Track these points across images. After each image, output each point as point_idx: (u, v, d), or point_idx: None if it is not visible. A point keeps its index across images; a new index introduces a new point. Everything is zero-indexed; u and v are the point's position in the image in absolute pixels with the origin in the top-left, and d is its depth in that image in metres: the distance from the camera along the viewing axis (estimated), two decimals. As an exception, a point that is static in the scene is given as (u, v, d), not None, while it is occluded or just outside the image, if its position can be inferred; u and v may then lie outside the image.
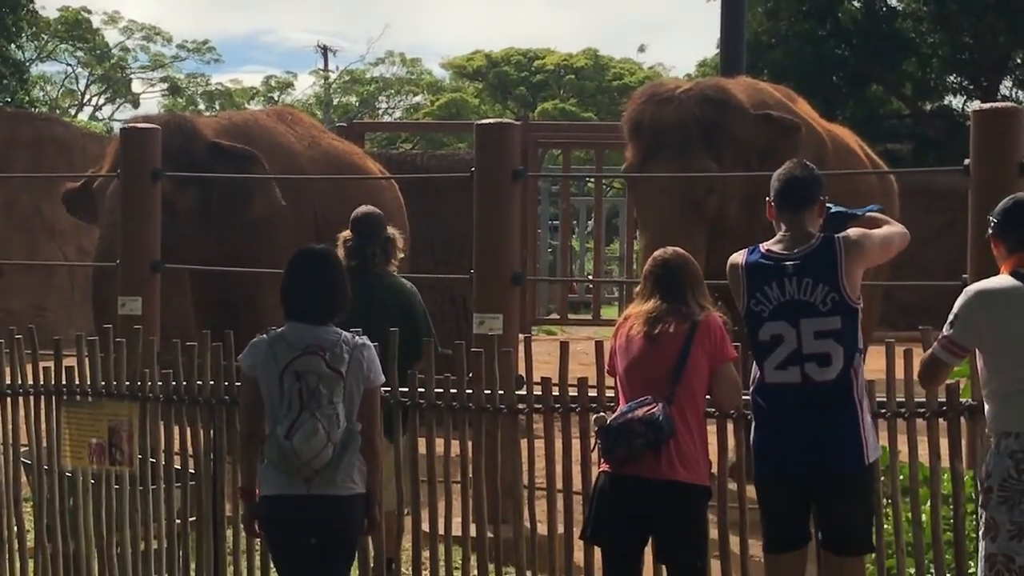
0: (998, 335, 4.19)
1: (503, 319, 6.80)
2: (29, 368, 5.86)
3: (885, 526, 4.75)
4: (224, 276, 8.88)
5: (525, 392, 5.20)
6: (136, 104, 44.12)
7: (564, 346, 5.27)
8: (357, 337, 4.52)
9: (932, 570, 4.67)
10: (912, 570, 4.74)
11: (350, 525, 4.51)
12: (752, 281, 4.51)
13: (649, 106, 7.83)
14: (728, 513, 4.91)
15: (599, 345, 5.01)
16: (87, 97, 44.04)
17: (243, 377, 4.65)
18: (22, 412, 5.90)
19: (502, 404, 5.14)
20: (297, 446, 4.32)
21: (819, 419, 4.41)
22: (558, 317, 16.50)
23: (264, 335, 4.53)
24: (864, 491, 4.50)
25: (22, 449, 5.97)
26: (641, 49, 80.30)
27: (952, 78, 25.51)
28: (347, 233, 5.96)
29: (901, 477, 4.75)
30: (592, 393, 5.00)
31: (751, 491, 4.76)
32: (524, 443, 5.21)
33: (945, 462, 4.66)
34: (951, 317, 4.26)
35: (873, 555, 4.65)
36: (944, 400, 4.65)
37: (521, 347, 5.53)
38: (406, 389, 5.20)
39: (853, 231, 4.56)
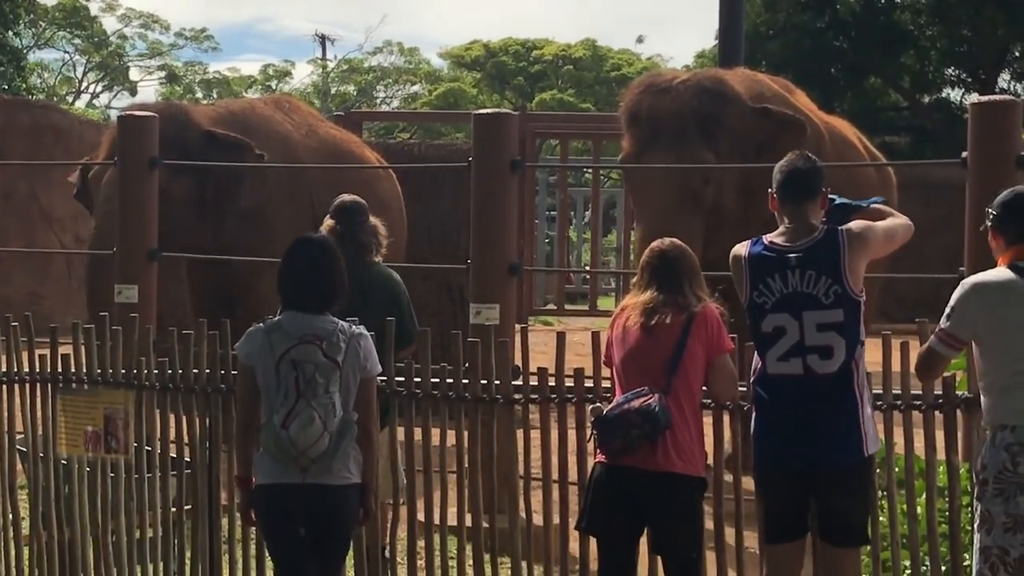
0: (995, 328, 4.19)
1: (500, 309, 6.80)
2: (25, 356, 5.85)
3: (880, 518, 4.75)
4: (221, 264, 8.86)
5: (521, 382, 5.19)
6: (134, 92, 44.18)
7: (560, 336, 5.26)
8: (354, 326, 4.51)
9: (927, 562, 4.67)
10: (907, 562, 4.75)
11: (346, 514, 4.51)
12: (755, 273, 4.50)
13: (646, 96, 7.81)
14: (724, 504, 4.90)
15: (596, 336, 4.99)
16: (84, 85, 44.04)
17: (239, 365, 4.64)
18: (18, 400, 5.89)
19: (498, 394, 5.13)
20: (293, 435, 4.31)
21: (820, 411, 4.41)
22: (555, 307, 16.47)
23: (261, 324, 4.52)
24: (863, 482, 4.50)
25: (17, 437, 5.96)
26: (639, 40, 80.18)
27: (950, 71, 25.54)
28: (330, 222, 5.91)
29: (897, 469, 4.76)
30: (588, 384, 4.99)
31: (747, 482, 4.76)
32: (520, 433, 5.21)
33: (941, 454, 4.66)
34: (948, 310, 4.25)
35: (868, 547, 4.65)
36: (940, 392, 4.65)
37: (518, 337, 5.52)
38: (402, 379, 5.20)
39: (856, 223, 4.54)
